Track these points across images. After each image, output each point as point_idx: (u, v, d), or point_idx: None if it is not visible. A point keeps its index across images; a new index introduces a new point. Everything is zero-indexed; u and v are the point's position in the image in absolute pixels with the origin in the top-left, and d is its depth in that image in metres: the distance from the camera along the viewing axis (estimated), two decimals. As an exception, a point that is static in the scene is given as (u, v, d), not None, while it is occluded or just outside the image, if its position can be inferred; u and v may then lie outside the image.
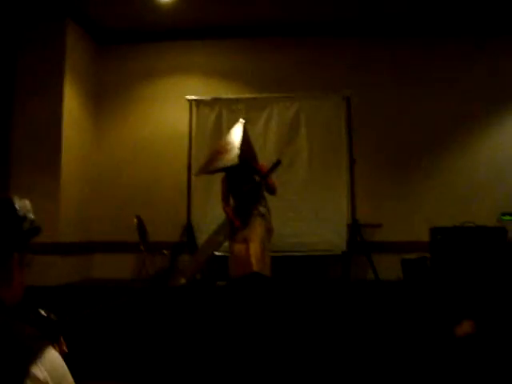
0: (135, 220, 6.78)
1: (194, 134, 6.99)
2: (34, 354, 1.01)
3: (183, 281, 5.52)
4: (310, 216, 6.56)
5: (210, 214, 6.50)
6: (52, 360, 1.04)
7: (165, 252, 6.72)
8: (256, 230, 5.09)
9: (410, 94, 7.15)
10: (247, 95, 7.12)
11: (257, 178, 5.24)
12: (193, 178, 6.78)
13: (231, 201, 5.42)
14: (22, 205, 1.22)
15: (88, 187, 7.34)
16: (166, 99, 7.52)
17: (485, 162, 7.01)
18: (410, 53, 7.27)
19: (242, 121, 5.52)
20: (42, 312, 1.25)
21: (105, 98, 7.64)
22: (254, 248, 4.95)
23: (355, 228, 6.39)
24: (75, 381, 1.15)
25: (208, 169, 5.58)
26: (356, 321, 4.62)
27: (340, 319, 4.68)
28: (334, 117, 6.77)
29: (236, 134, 5.37)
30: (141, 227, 6.84)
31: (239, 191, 5.33)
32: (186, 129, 6.98)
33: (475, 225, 5.18)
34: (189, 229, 6.69)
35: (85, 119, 7.38)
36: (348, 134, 6.67)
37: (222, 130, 6.80)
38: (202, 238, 6.40)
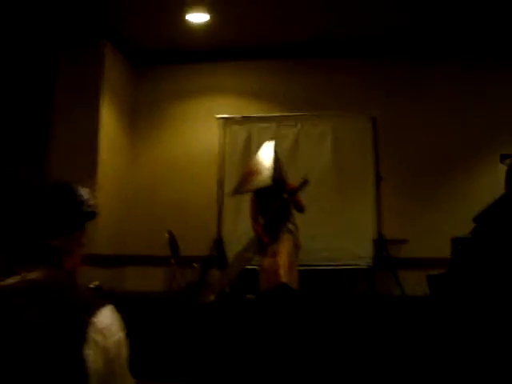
0: (167, 235, 6.96)
1: (225, 151, 7.18)
2: (94, 308, 1.22)
3: (212, 297, 5.65)
4: (337, 231, 6.68)
5: (240, 228, 6.68)
6: (107, 315, 1.25)
7: (195, 266, 6.87)
8: (284, 244, 5.25)
9: (434, 113, 7.26)
10: (276, 114, 7.30)
11: (285, 196, 5.39)
12: (224, 194, 6.97)
13: (260, 219, 5.59)
14: (83, 191, 1.46)
15: (123, 203, 7.57)
16: (197, 118, 7.75)
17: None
18: (434, 72, 7.38)
19: (271, 141, 5.71)
20: (91, 285, 1.48)
21: (140, 118, 7.90)
22: (283, 260, 5.10)
23: (381, 243, 6.48)
24: None
25: (241, 190, 5.76)
26: (375, 334, 4.71)
27: (363, 333, 4.78)
28: (361, 135, 6.91)
29: (266, 154, 5.52)
30: (172, 242, 7.02)
31: (268, 209, 5.49)
32: (217, 147, 7.18)
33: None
34: (219, 243, 6.84)
35: (120, 138, 7.64)
36: (374, 152, 6.79)
37: (251, 147, 6.99)
38: (231, 252, 6.59)
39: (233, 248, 6.63)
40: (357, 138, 6.92)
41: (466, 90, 7.28)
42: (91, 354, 1.16)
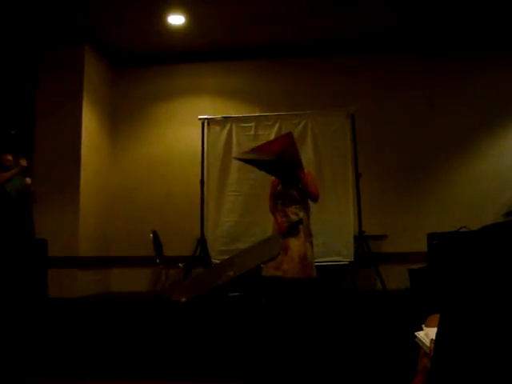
0: (151, 235, 7.01)
1: (206, 151, 7.21)
2: None
3: (183, 299, 5.51)
4: (319, 229, 6.69)
5: (222, 228, 6.85)
6: None
7: (180, 265, 6.93)
8: (304, 237, 5.11)
9: (412, 109, 7.38)
10: (256, 113, 7.36)
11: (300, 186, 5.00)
12: (205, 193, 7.01)
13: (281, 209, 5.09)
14: None
15: (106, 205, 7.61)
16: (179, 119, 7.82)
17: (488, 174, 7.13)
18: (412, 69, 7.50)
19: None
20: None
21: (121, 119, 7.96)
22: (309, 253, 4.97)
23: (362, 239, 6.57)
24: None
25: (250, 155, 5.17)
26: (360, 329, 4.80)
27: (348, 327, 4.87)
28: (340, 133, 6.97)
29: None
30: (156, 242, 7.07)
31: (289, 196, 5.04)
32: (198, 147, 7.20)
33: (469, 229, 5.30)
34: (202, 242, 6.90)
35: (102, 139, 7.69)
36: (353, 148, 6.86)
37: (232, 146, 7.08)
38: (214, 250, 6.79)
39: (214, 246, 6.78)
40: (335, 136, 6.98)
41: (442, 86, 7.39)
42: None
